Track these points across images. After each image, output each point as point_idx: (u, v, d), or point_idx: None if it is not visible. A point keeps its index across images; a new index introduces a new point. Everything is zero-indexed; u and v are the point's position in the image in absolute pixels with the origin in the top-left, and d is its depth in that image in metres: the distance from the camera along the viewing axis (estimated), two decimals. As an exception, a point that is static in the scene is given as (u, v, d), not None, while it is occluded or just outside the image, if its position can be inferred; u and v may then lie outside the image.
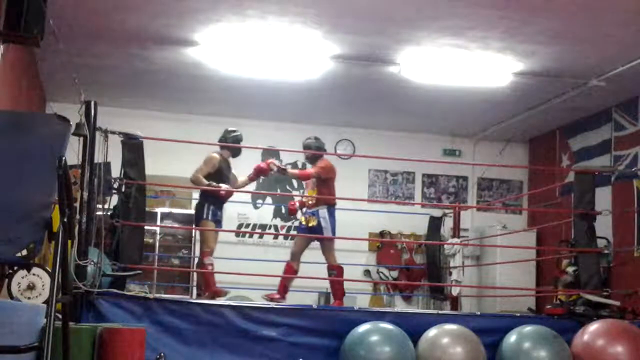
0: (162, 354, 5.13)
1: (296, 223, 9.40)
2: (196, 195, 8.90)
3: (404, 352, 6.06)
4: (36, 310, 3.83)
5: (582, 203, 7.42)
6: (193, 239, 11.01)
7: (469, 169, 12.33)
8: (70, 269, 5.31)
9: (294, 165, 11.59)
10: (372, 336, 6.07)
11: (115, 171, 6.57)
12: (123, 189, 6.40)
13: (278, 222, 11.81)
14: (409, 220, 11.35)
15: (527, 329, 6.44)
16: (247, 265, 9.36)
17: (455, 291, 9.46)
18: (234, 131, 8.39)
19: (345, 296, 8.34)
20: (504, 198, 12.53)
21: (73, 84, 8.35)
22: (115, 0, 7.36)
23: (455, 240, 9.63)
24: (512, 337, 6.38)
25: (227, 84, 9.86)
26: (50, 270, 4.55)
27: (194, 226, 9.38)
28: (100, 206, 6.13)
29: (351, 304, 8.80)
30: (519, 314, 7.42)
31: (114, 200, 6.55)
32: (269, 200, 11.82)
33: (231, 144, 8.23)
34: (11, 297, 5.64)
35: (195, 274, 9.78)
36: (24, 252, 3.49)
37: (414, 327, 6.30)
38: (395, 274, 11.98)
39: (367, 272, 11.78)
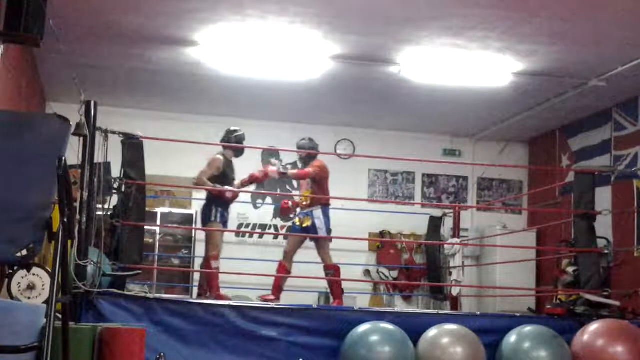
0: (162, 354, 5.11)
1: (290, 223, 9.39)
2: (196, 195, 8.91)
3: (404, 352, 6.06)
4: (36, 310, 3.82)
5: (582, 203, 7.42)
6: (193, 239, 11.01)
7: (469, 169, 12.32)
8: (70, 269, 5.30)
9: (294, 165, 11.59)
10: (372, 336, 6.07)
11: (115, 171, 6.58)
12: (123, 189, 6.39)
13: (278, 222, 11.82)
14: (409, 220, 11.34)
15: (527, 329, 6.43)
16: (247, 265, 9.36)
17: (455, 291, 9.46)
18: (237, 131, 8.37)
19: (344, 295, 8.34)
20: (504, 198, 12.53)
21: (73, 84, 8.33)
22: (115, 0, 7.37)
23: (455, 240, 9.62)
24: (512, 337, 6.38)
25: (227, 84, 9.85)
26: (50, 270, 4.54)
27: (199, 227, 9.35)
28: (100, 206, 6.13)
29: (351, 304, 8.80)
30: (519, 314, 7.42)
31: (114, 200, 6.55)
32: (269, 200, 11.82)
33: (232, 145, 8.22)
34: (11, 297, 5.64)
35: (196, 274, 9.77)
36: (24, 252, 3.48)
37: (414, 327, 6.30)
38: (395, 274, 11.97)
39: (367, 272, 11.79)
